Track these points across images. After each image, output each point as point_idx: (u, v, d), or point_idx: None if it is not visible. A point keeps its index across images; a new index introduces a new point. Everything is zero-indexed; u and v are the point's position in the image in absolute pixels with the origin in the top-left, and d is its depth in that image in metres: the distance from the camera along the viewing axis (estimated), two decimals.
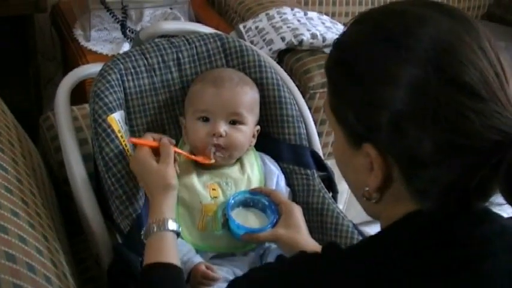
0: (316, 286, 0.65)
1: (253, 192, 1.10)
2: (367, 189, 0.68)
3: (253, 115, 1.15)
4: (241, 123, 1.11)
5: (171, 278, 0.88)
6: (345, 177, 0.75)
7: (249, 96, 1.14)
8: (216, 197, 1.09)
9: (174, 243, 0.92)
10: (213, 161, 1.09)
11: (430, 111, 0.59)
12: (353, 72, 0.65)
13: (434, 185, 0.62)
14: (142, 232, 0.94)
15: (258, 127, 1.18)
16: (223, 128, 1.09)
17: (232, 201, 1.07)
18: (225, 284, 0.97)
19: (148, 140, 1.03)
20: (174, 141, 1.04)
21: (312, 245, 1.00)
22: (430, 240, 0.63)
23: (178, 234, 0.94)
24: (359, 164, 0.67)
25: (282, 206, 1.06)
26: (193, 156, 1.08)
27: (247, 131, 1.13)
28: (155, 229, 0.92)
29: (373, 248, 0.67)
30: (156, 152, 1.01)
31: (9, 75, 1.78)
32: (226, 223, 1.05)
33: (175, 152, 1.02)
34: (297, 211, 1.06)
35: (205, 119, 1.10)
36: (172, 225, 0.92)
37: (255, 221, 1.07)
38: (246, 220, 1.07)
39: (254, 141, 1.17)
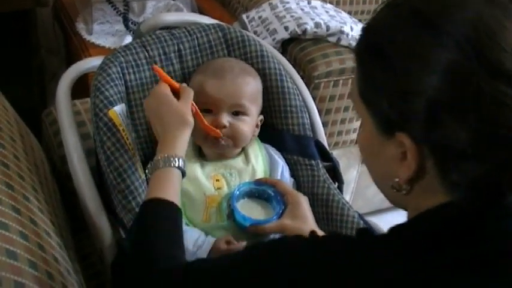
0: (356, 270, 0.63)
1: (259, 183, 1.09)
2: (397, 180, 0.65)
3: (256, 105, 1.14)
4: (244, 114, 1.11)
5: (169, 216, 0.85)
6: (371, 167, 0.73)
7: (251, 87, 1.13)
8: (219, 188, 1.09)
9: (179, 182, 0.90)
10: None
11: (468, 99, 0.57)
12: (387, 57, 0.62)
13: (469, 177, 0.60)
14: (148, 166, 0.93)
15: (262, 117, 1.17)
16: (226, 119, 1.08)
17: (237, 193, 1.05)
18: None
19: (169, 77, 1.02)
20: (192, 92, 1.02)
21: (319, 234, 0.99)
22: (461, 233, 0.61)
23: (184, 173, 0.92)
24: (390, 153, 0.65)
25: (288, 197, 1.05)
26: (205, 122, 1.05)
27: (251, 122, 1.12)
28: (161, 164, 0.89)
29: (403, 238, 0.65)
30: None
31: (12, 71, 1.78)
32: (231, 214, 1.04)
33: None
34: (304, 201, 1.05)
35: (208, 111, 1.09)
36: (181, 163, 0.90)
37: (260, 212, 1.06)
38: (252, 211, 1.05)
39: (258, 131, 1.16)
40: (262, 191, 1.08)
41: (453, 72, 0.58)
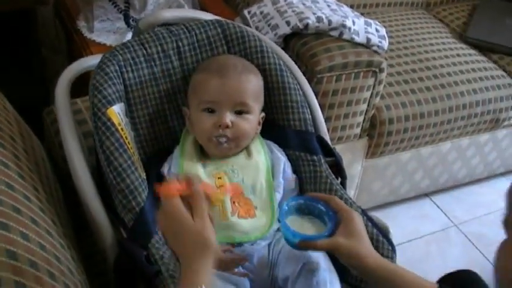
0: None
1: (308, 197, 1.02)
2: None
3: (259, 103, 1.14)
4: (247, 112, 1.10)
5: None
6: None
7: (253, 85, 1.12)
8: (222, 186, 1.08)
9: None
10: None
11: None
12: None
13: None
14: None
15: (263, 114, 1.17)
16: (229, 118, 1.07)
17: (286, 208, 0.99)
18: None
19: (175, 184, 0.85)
20: (201, 178, 0.91)
21: (374, 254, 0.93)
22: None
23: None
24: None
25: (342, 213, 0.97)
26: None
27: (253, 120, 1.12)
28: None
29: None
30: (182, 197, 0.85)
31: (14, 70, 1.78)
32: (282, 234, 0.99)
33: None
34: (358, 218, 0.97)
35: (211, 110, 1.09)
36: None
37: (310, 228, 0.99)
38: (301, 227, 0.98)
39: (260, 128, 1.16)
40: (312, 206, 1.01)
41: None
